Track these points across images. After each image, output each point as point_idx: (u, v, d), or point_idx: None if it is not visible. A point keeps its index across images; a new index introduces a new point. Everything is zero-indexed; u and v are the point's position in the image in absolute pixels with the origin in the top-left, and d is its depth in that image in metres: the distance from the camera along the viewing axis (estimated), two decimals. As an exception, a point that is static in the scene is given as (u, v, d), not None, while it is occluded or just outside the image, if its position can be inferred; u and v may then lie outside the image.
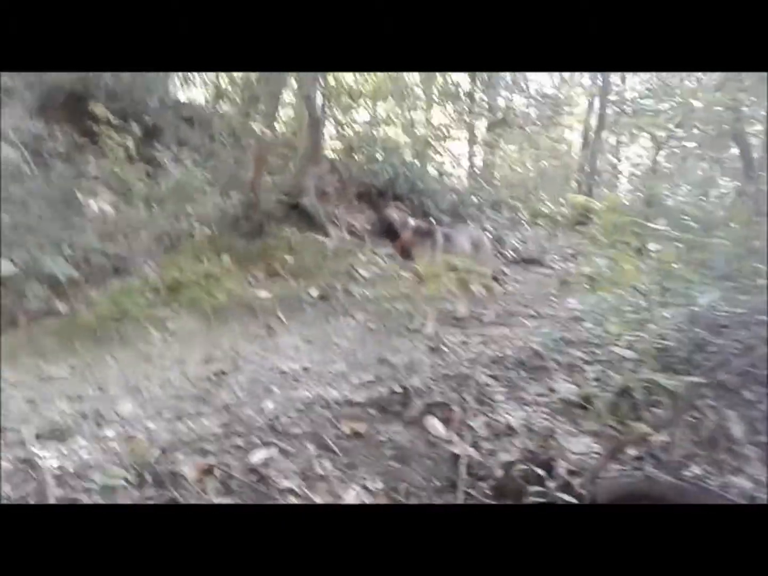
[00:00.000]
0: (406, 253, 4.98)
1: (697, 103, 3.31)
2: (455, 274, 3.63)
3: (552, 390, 3.29)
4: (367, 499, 2.36)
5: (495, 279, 5.93)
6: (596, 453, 2.66)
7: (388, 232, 5.09)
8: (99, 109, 6.35)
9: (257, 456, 2.56)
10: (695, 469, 2.73)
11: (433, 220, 8.81)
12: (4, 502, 2.24)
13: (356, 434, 2.83)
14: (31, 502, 2.24)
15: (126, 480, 2.23)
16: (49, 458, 2.63)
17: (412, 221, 5.14)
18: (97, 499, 2.23)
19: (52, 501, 2.20)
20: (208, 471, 2.42)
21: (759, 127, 7.24)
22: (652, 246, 3.10)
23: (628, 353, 2.61)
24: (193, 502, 2.25)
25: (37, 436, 2.90)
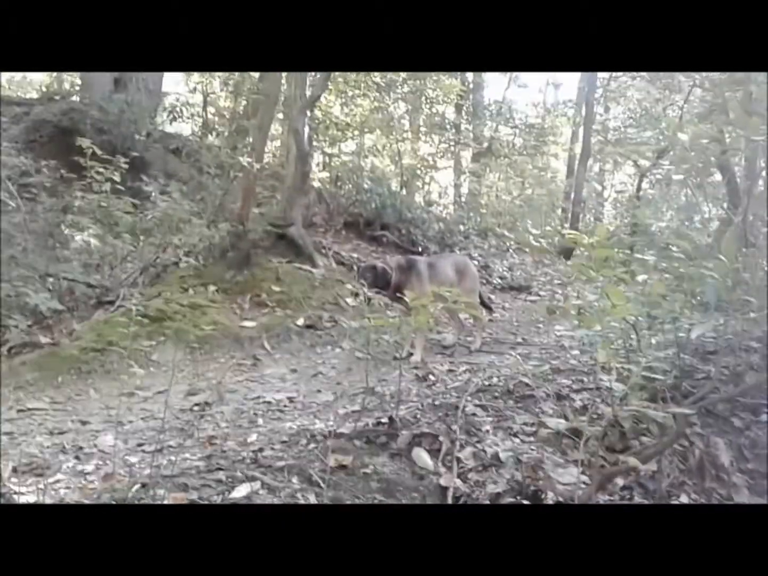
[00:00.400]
0: (398, 291, 4.86)
1: (683, 136, 3.34)
2: (442, 303, 3.61)
3: (540, 420, 3.26)
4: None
5: (483, 304, 5.91)
6: (584, 483, 2.62)
7: (380, 282, 4.96)
8: (86, 143, 6.35)
9: (239, 491, 2.50)
10: (683, 498, 2.70)
11: (420, 250, 8.87)
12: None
13: (342, 467, 2.78)
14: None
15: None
16: (25, 493, 2.56)
17: (394, 261, 5.08)
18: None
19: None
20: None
21: (739, 154, 7.34)
22: (640, 278, 3.11)
23: (616, 385, 2.58)
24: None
25: (14, 470, 2.83)
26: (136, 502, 2.30)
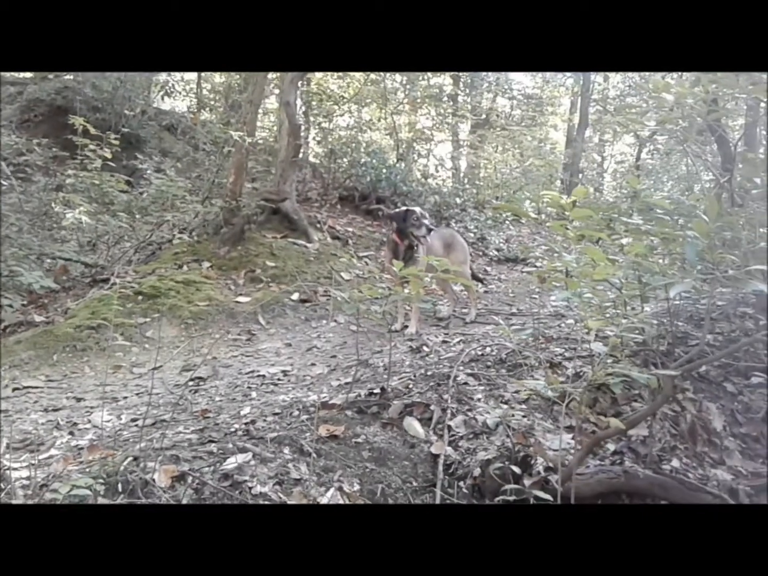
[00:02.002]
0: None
1: (668, 97, 3.29)
2: (435, 275, 3.61)
3: (530, 387, 3.26)
4: (343, 502, 2.33)
5: (475, 278, 5.92)
6: (574, 449, 2.63)
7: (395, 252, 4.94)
8: (78, 121, 6.31)
9: (231, 462, 2.51)
10: (675, 463, 2.71)
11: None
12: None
13: (333, 436, 2.79)
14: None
15: (92, 489, 2.17)
16: (18, 468, 2.58)
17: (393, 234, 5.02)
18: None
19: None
20: (179, 478, 2.37)
21: (740, 121, 7.25)
22: (624, 240, 3.08)
23: (595, 346, 2.58)
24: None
25: (8, 446, 2.85)
26: (128, 477, 2.32)
